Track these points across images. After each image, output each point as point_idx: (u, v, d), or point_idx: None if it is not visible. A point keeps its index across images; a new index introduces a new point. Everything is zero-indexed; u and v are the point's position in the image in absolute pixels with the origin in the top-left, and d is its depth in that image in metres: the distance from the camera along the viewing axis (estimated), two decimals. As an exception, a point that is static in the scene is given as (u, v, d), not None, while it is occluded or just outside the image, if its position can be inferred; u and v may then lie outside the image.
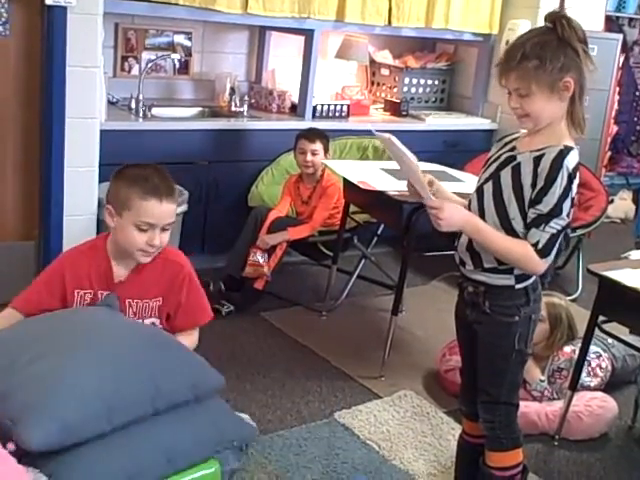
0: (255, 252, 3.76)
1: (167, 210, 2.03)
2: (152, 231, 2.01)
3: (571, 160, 1.94)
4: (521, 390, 3.04)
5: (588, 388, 3.12)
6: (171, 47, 4.50)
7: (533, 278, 2.12)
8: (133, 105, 4.12)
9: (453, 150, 4.83)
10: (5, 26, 3.31)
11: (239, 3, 4.08)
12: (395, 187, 3.29)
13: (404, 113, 4.93)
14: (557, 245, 2.00)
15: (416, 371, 3.41)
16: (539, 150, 1.98)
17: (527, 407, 2.99)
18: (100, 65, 3.53)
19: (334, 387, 3.22)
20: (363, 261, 4.16)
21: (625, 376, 3.36)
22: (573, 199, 1.98)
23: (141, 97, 4.11)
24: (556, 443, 2.96)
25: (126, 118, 4.01)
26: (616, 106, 5.57)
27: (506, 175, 2.03)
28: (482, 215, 2.07)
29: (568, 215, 1.98)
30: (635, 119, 6.44)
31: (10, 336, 1.91)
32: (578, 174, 1.98)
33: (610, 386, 3.25)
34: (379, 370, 3.34)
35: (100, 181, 3.65)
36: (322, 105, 4.59)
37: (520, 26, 4.88)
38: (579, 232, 4.47)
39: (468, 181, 3.65)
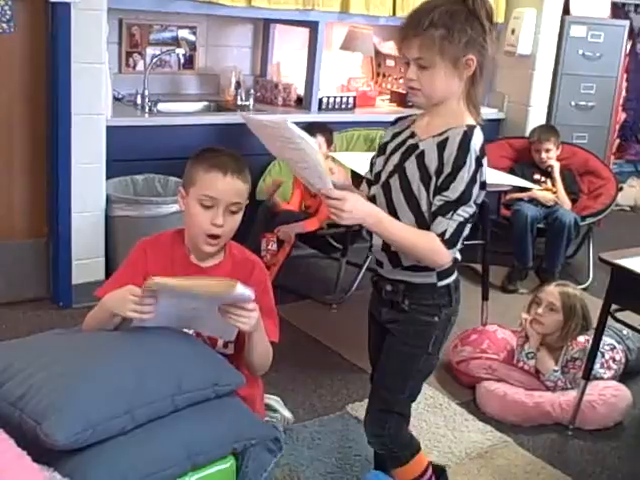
0: (272, 241, 3.77)
1: (231, 185, 1.90)
2: (216, 209, 1.91)
3: (477, 141, 1.82)
4: (535, 380, 3.06)
5: (601, 380, 3.09)
6: (175, 42, 4.48)
7: (455, 275, 2.00)
8: (139, 101, 4.10)
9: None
10: (9, 24, 3.30)
11: (243, -4, 4.07)
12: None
13: (410, 104, 4.90)
14: (463, 234, 1.87)
15: (428, 363, 3.39)
16: (441, 134, 1.85)
17: (541, 397, 2.98)
18: (105, 61, 3.52)
19: (346, 380, 3.21)
20: (372, 253, 4.14)
21: (639, 366, 3.34)
22: (483, 183, 1.86)
23: (146, 93, 4.09)
24: (570, 433, 2.95)
25: (132, 114, 4.00)
26: (624, 93, 5.54)
27: (411, 165, 1.89)
28: (393, 212, 1.92)
29: (476, 203, 1.86)
30: (643, 106, 6.40)
31: (24, 345, 1.90)
32: (485, 155, 1.85)
33: (624, 375, 3.23)
34: (391, 362, 3.32)
35: (107, 177, 3.65)
36: (328, 97, 4.56)
37: (525, 14, 4.86)
38: (589, 220, 4.46)
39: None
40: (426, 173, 1.85)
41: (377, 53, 5.13)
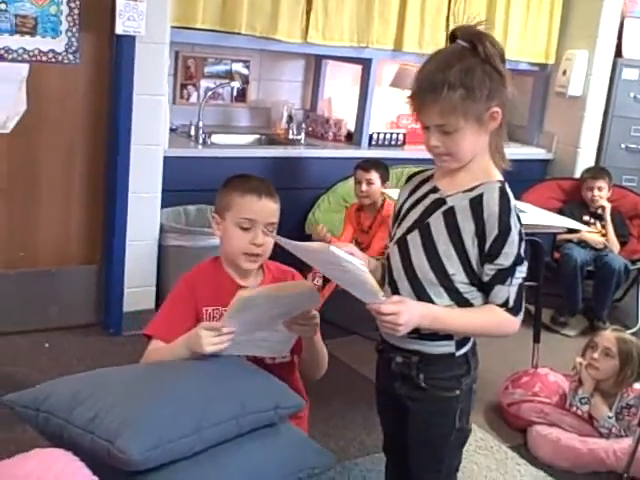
0: (318, 276, 3.77)
1: (266, 206, 2.01)
2: (254, 230, 2.00)
3: (512, 197, 1.73)
4: (587, 426, 3.01)
5: (657, 428, 3.03)
6: (229, 75, 4.56)
7: (473, 340, 1.85)
8: (192, 132, 4.16)
9: (509, 180, 4.76)
10: (75, 55, 3.38)
11: (299, 32, 4.13)
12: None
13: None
14: (524, 294, 1.75)
15: (478, 404, 3.28)
16: (472, 190, 1.72)
17: (595, 443, 2.93)
18: (165, 93, 3.59)
19: (394, 418, 3.18)
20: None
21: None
22: None
23: (201, 124, 4.15)
24: (624, 482, 2.89)
25: (186, 145, 4.06)
26: (674, 137, 5.49)
27: (437, 222, 1.74)
28: (410, 272, 1.76)
29: (526, 258, 1.74)
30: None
31: (87, 376, 1.91)
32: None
33: (679, 424, 3.16)
34: (439, 402, 3.29)
35: (162, 207, 3.70)
36: (378, 133, 4.59)
37: (577, 56, 4.87)
38: (639, 265, 4.40)
39: (530, 211, 3.62)
40: (456, 232, 1.71)
41: (426, 91, 5.15)
